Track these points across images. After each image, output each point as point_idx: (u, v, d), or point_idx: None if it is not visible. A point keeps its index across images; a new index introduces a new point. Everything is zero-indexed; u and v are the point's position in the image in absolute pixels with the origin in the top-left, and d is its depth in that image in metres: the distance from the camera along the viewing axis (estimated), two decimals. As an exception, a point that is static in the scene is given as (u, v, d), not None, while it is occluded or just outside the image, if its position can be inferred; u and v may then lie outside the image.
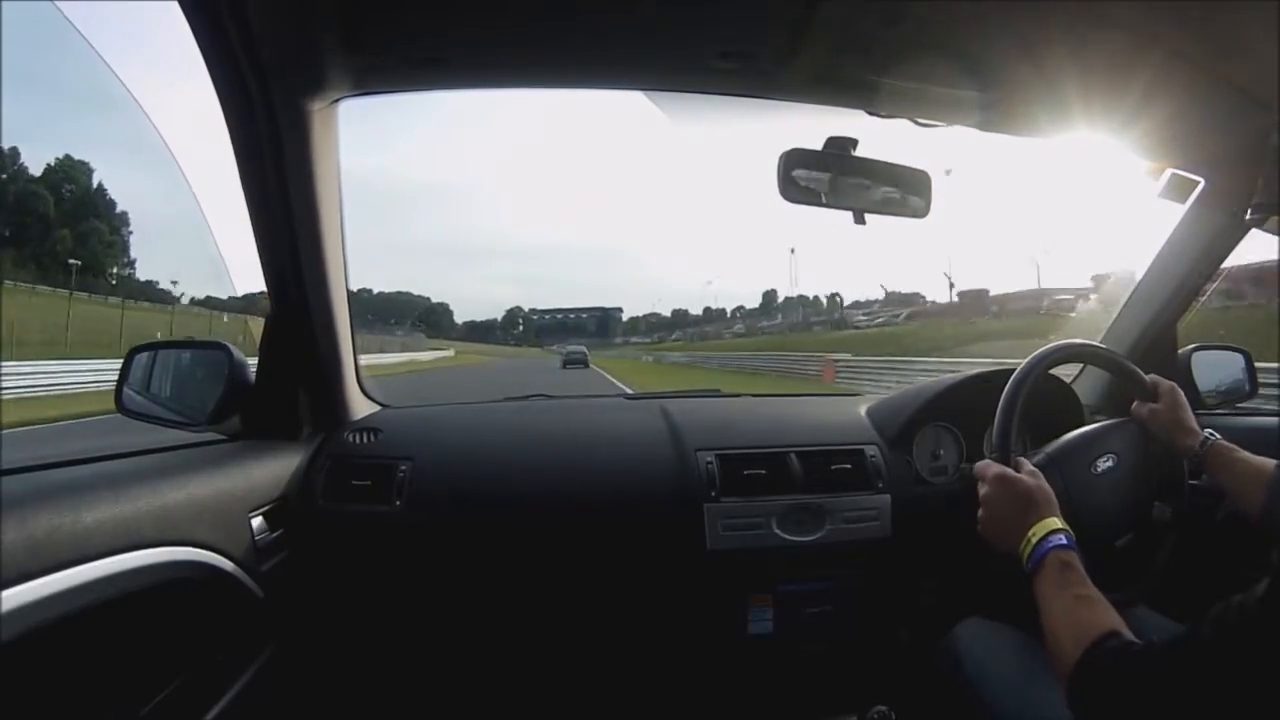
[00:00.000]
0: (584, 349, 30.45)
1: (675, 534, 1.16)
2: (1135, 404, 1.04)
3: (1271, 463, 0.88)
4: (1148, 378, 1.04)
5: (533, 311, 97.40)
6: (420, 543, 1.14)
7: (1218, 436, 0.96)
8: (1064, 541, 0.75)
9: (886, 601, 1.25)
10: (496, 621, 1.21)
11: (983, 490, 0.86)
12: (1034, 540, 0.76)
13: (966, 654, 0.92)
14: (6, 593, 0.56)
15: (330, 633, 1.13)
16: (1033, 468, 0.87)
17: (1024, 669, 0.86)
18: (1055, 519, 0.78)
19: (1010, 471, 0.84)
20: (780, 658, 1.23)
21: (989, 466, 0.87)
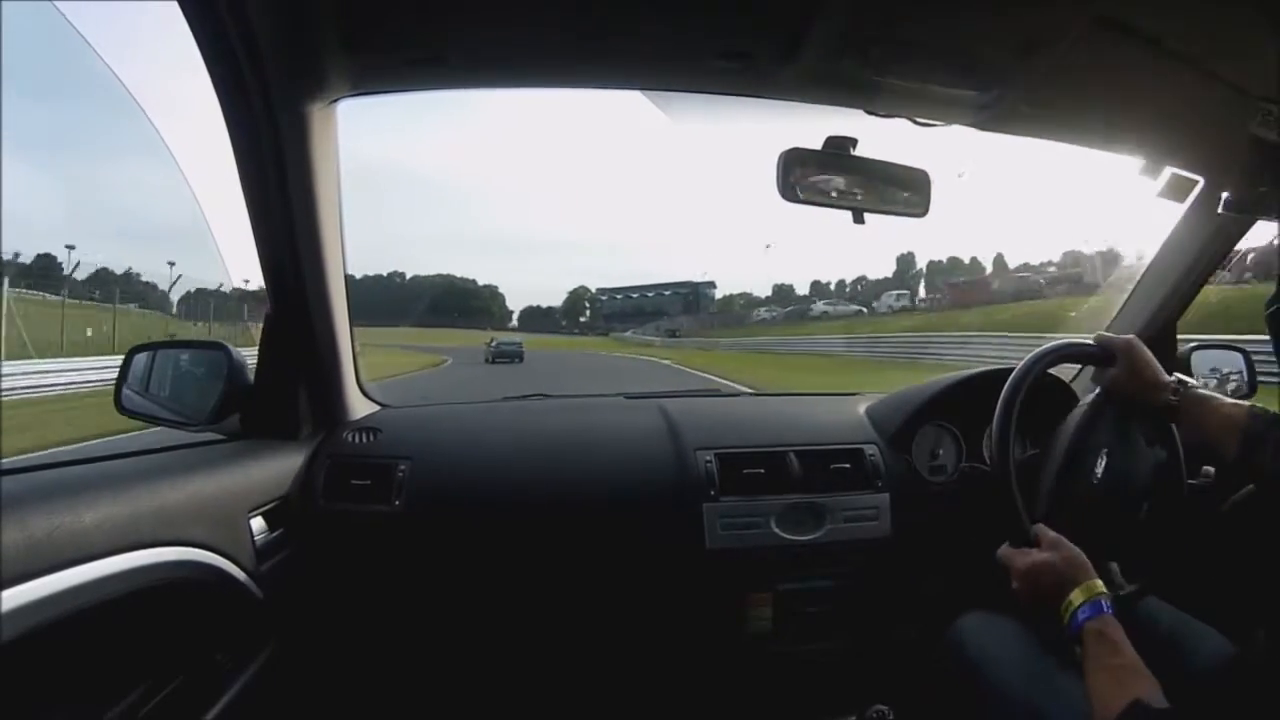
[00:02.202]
0: (519, 341, 22.50)
1: (674, 533, 1.16)
2: (1094, 372, 1.02)
3: (1245, 405, 0.87)
4: (1096, 337, 1.00)
5: (600, 292, 73.02)
6: (419, 542, 1.14)
7: (1189, 382, 0.93)
8: (1091, 612, 0.75)
9: (886, 600, 1.25)
10: (496, 621, 1.21)
11: (1015, 583, 0.85)
12: (1068, 614, 0.77)
13: (971, 646, 0.93)
14: (6, 593, 0.56)
15: (330, 632, 1.13)
16: (1054, 537, 0.85)
17: (1028, 657, 0.87)
18: (1087, 585, 0.78)
19: (1036, 558, 0.83)
20: (779, 657, 1.23)
21: (1013, 558, 0.86)
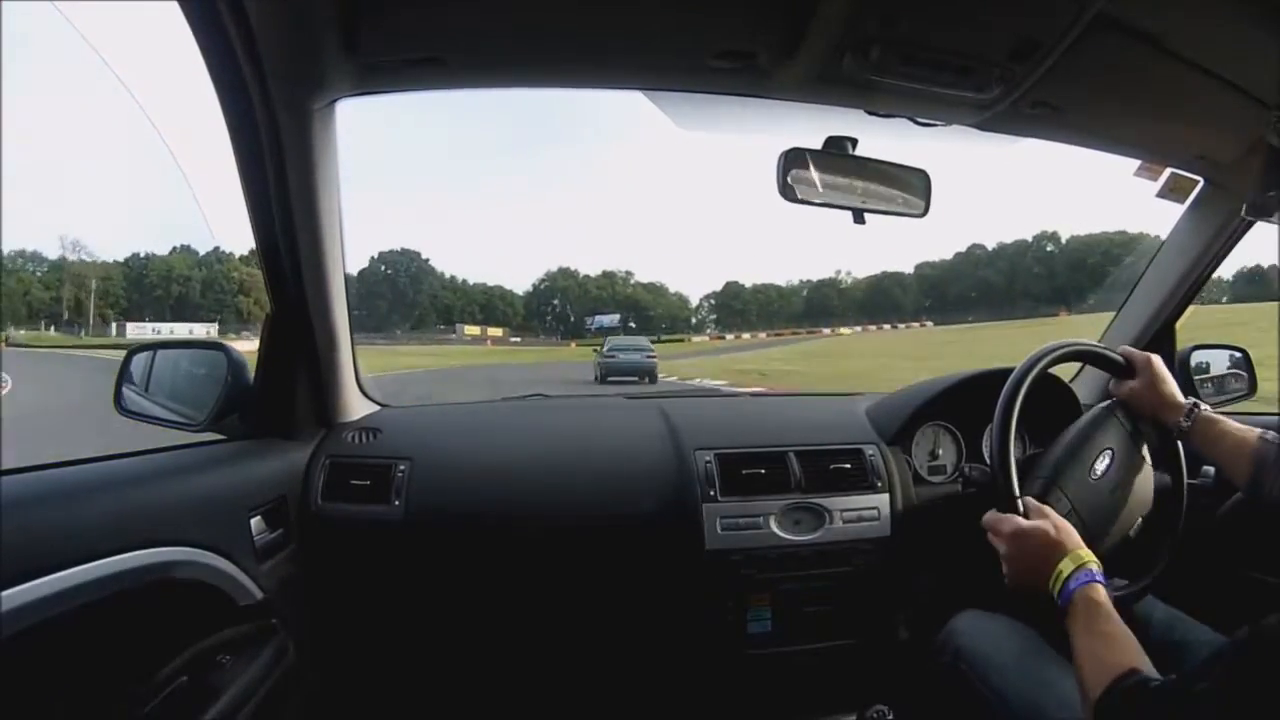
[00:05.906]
0: (649, 347, 15.81)
1: (674, 533, 1.16)
2: (1112, 383, 1.01)
3: (1256, 432, 0.88)
4: (1119, 350, 1.00)
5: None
6: (418, 543, 1.14)
7: (1203, 406, 0.93)
8: (1084, 579, 0.75)
9: (885, 600, 1.25)
10: (495, 621, 1.21)
11: (1000, 547, 0.85)
12: (1058, 584, 0.76)
13: (965, 645, 0.93)
14: (6, 593, 0.56)
15: (329, 633, 1.13)
16: (1039, 506, 0.85)
17: (1024, 654, 0.87)
18: (1077, 553, 0.77)
19: (1022, 524, 0.83)
20: (779, 657, 1.23)
21: (1000, 523, 0.85)
